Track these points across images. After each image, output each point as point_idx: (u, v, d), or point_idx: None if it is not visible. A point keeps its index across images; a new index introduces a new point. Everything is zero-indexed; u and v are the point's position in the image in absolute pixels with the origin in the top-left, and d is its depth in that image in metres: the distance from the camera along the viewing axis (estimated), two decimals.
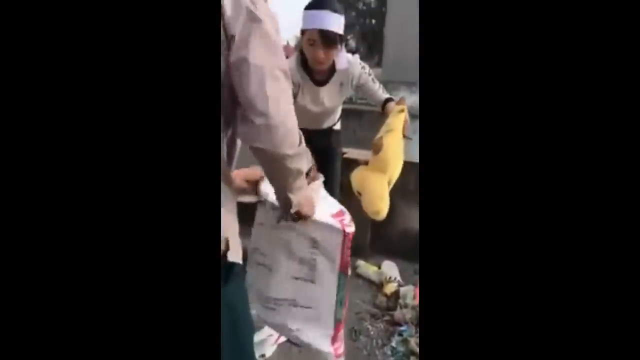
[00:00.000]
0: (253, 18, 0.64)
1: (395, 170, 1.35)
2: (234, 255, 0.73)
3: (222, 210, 0.70)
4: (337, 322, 1.20)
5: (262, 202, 1.15)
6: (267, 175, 0.82)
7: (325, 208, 1.09)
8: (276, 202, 1.02)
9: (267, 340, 1.45)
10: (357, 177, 1.36)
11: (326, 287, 1.17)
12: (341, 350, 1.19)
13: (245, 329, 0.83)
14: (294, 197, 0.82)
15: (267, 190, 1.11)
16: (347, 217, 1.17)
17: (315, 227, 1.07)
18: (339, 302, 1.19)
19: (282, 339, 1.46)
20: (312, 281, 1.16)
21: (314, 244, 1.13)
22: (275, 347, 1.47)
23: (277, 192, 0.85)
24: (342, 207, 1.23)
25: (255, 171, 1.09)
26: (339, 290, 1.18)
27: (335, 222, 1.14)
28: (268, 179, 0.84)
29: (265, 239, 1.16)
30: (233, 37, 0.64)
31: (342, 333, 1.20)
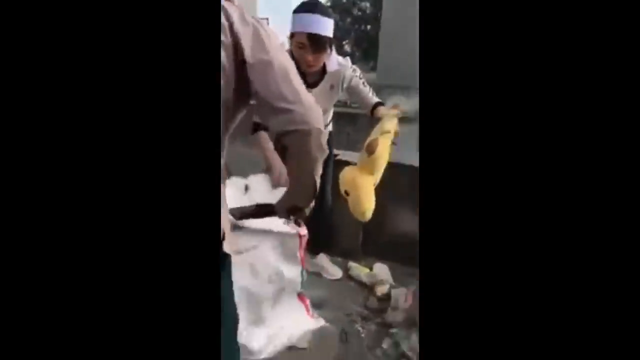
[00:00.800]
0: (261, 31, 0.75)
1: (381, 172, 1.37)
2: (228, 246, 0.77)
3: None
4: (299, 295, 1.44)
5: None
6: (298, 161, 0.80)
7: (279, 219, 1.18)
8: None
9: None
10: (346, 176, 1.37)
11: (290, 285, 1.37)
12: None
13: (232, 320, 0.87)
14: (319, 181, 0.83)
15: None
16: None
17: (275, 237, 1.20)
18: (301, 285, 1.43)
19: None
20: (283, 292, 1.37)
21: (276, 256, 1.28)
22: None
23: (303, 179, 0.83)
24: None
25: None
26: (302, 282, 1.39)
27: (291, 230, 1.32)
28: (298, 166, 0.82)
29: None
30: (239, 43, 0.73)
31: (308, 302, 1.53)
